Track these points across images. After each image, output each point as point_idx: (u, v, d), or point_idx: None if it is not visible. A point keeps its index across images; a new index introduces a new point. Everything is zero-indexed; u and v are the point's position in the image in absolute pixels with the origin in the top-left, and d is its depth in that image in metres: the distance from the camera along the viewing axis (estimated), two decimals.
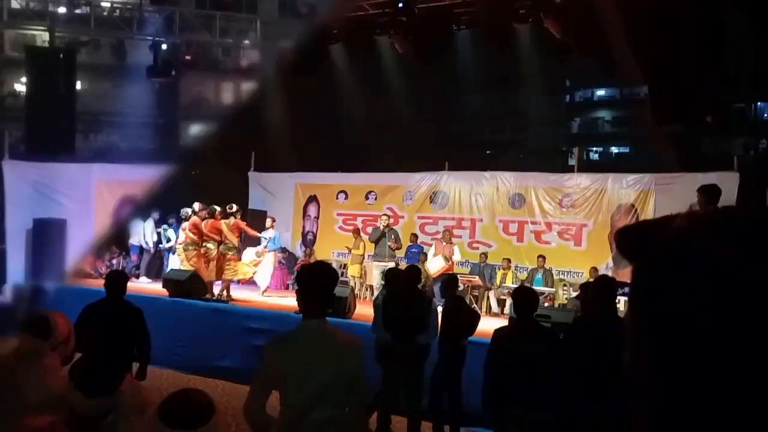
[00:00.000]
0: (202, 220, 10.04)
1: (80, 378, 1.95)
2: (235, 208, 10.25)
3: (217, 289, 9.94)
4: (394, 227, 11.89)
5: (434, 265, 10.88)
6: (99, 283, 11.42)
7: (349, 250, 12.61)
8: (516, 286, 10.90)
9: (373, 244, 11.31)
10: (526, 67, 13.27)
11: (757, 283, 0.49)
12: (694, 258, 0.52)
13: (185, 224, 10.24)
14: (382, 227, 11.41)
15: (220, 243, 9.86)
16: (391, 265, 10.37)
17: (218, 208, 10.12)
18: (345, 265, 12.62)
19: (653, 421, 0.54)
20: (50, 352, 2.32)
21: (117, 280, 5.36)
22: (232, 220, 10.02)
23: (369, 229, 11.26)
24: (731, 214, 0.56)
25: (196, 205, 10.26)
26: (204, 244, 9.90)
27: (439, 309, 5.92)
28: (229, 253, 9.91)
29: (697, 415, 0.51)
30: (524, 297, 4.28)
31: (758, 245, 0.50)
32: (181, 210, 10.60)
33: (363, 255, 12.28)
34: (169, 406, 1.80)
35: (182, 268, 10.04)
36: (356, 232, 12.75)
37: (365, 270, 12.74)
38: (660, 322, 0.54)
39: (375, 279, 10.88)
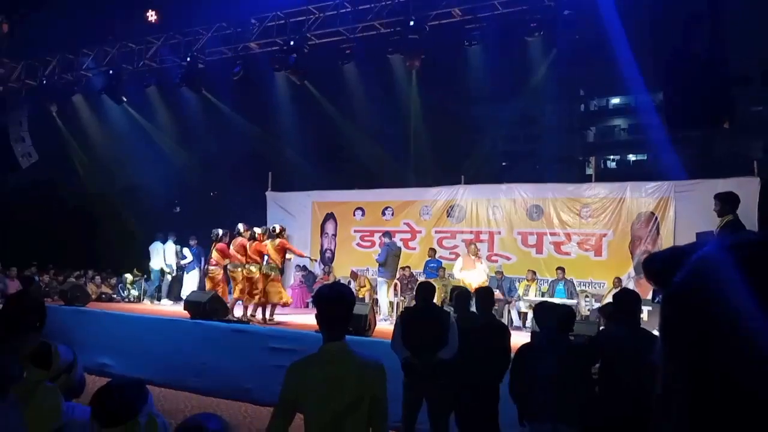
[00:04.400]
0: (249, 240, 9.86)
1: (96, 408, 1.97)
2: (279, 228, 10.01)
3: (240, 311, 9.82)
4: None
5: (476, 278, 10.78)
6: (120, 307, 11.63)
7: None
8: (537, 298, 10.86)
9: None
10: (538, 77, 13.27)
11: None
12: (711, 290, 0.57)
13: (220, 245, 10.16)
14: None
15: (261, 265, 9.64)
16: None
17: (259, 230, 9.97)
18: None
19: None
20: (50, 383, 2.29)
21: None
22: (277, 240, 9.73)
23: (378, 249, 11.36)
24: (739, 245, 0.59)
25: (240, 226, 10.08)
26: (247, 266, 9.66)
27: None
28: (272, 273, 9.60)
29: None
30: (564, 315, 4.18)
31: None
32: (213, 231, 10.45)
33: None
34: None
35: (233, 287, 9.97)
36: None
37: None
38: (691, 346, 0.59)
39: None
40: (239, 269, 9.71)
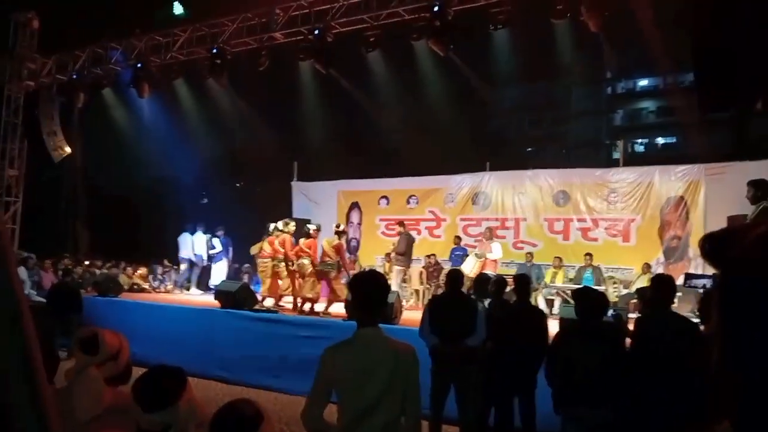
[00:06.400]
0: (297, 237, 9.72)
1: (138, 393, 2.04)
2: (342, 227, 9.86)
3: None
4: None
5: (467, 266, 10.75)
6: (152, 297, 11.85)
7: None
8: (564, 285, 10.80)
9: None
10: (564, 60, 13.08)
11: None
12: None
13: (272, 238, 9.84)
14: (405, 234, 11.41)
15: (312, 259, 9.40)
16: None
17: (313, 227, 9.84)
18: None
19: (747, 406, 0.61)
20: (96, 368, 2.36)
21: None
22: (335, 240, 9.54)
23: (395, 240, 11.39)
24: None
25: (280, 223, 9.90)
26: (300, 261, 9.43)
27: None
28: (333, 272, 9.35)
29: None
30: (593, 300, 4.19)
31: None
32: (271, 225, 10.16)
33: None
34: (217, 421, 1.90)
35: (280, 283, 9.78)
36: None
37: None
38: (749, 324, 0.61)
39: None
40: (281, 264, 9.60)
